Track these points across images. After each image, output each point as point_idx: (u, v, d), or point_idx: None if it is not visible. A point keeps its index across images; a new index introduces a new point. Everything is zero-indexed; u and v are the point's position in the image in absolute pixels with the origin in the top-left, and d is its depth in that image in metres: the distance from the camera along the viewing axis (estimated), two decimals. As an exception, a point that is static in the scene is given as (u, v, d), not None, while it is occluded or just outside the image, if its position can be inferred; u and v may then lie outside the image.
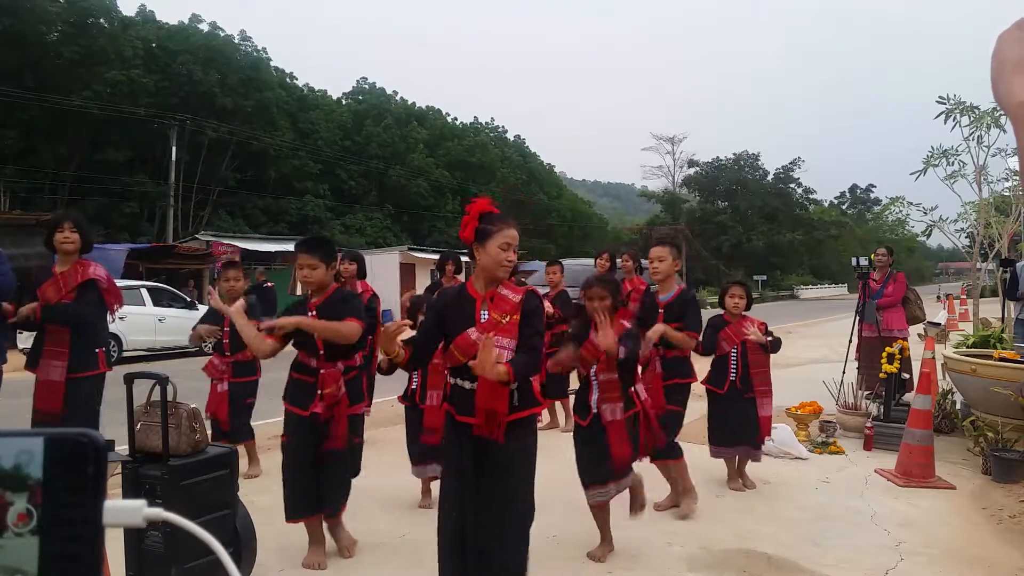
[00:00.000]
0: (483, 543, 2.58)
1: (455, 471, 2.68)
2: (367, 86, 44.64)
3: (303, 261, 3.34)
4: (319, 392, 3.31)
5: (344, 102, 42.35)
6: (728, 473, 4.64)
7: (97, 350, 4.08)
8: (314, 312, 3.32)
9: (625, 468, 3.34)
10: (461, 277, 6.51)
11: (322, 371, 3.33)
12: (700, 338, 4.26)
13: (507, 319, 2.62)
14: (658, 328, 3.82)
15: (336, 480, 3.42)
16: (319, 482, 3.36)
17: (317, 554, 3.40)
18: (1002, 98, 0.85)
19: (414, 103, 45.08)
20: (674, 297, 4.08)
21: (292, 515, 3.35)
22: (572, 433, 3.58)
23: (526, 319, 2.65)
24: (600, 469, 3.32)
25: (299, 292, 5.35)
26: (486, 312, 2.65)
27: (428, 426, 4.05)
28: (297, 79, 38.77)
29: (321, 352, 3.34)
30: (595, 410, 3.34)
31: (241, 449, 4.86)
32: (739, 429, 4.47)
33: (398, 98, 44.60)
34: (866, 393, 6.23)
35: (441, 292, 3.10)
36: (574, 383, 3.95)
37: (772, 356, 4.62)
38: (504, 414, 2.58)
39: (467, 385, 2.62)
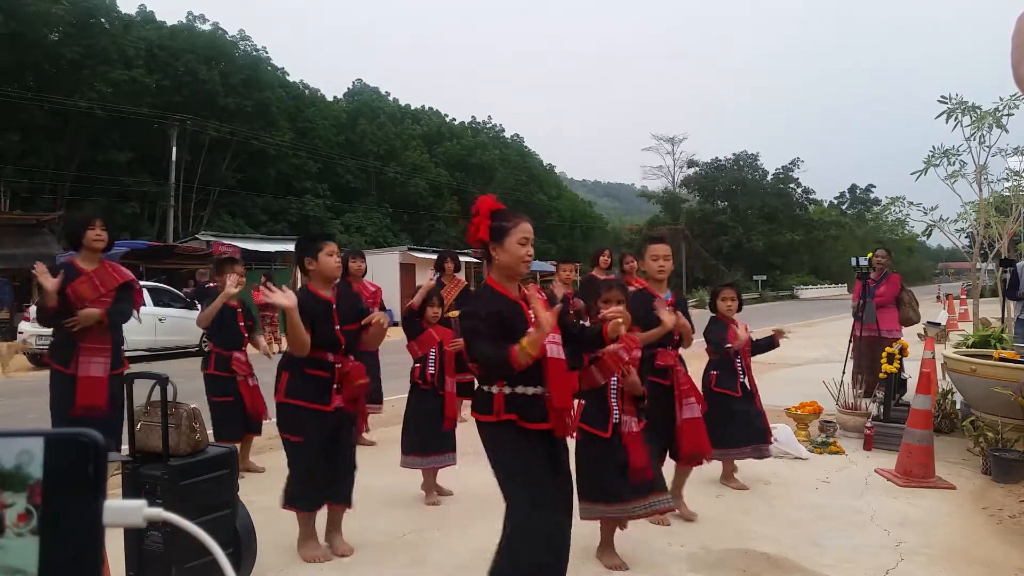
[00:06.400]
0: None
1: (546, 473, 2.53)
2: (361, 85, 44.62)
3: (331, 249, 3.49)
4: (335, 386, 3.33)
5: (340, 99, 42.31)
6: (724, 472, 4.64)
7: (120, 348, 4.11)
8: (334, 306, 3.41)
9: (643, 481, 3.18)
10: (461, 275, 6.51)
11: (339, 365, 3.36)
12: (705, 336, 4.53)
13: None
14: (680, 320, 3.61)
15: (351, 474, 3.47)
16: (333, 474, 3.40)
17: (342, 546, 3.46)
18: (1022, 80, 0.85)
19: (408, 105, 45.13)
20: (674, 299, 3.88)
21: (311, 506, 3.37)
22: (578, 445, 3.25)
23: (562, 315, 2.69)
24: (620, 484, 3.16)
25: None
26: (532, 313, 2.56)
27: (449, 414, 4.19)
28: (292, 77, 38.78)
29: (342, 345, 3.38)
30: (616, 420, 3.17)
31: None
32: (754, 429, 4.50)
33: (391, 99, 44.56)
34: (859, 392, 6.22)
35: (478, 296, 2.85)
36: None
37: (765, 355, 4.76)
38: (572, 411, 2.64)
39: (530, 391, 2.51)
